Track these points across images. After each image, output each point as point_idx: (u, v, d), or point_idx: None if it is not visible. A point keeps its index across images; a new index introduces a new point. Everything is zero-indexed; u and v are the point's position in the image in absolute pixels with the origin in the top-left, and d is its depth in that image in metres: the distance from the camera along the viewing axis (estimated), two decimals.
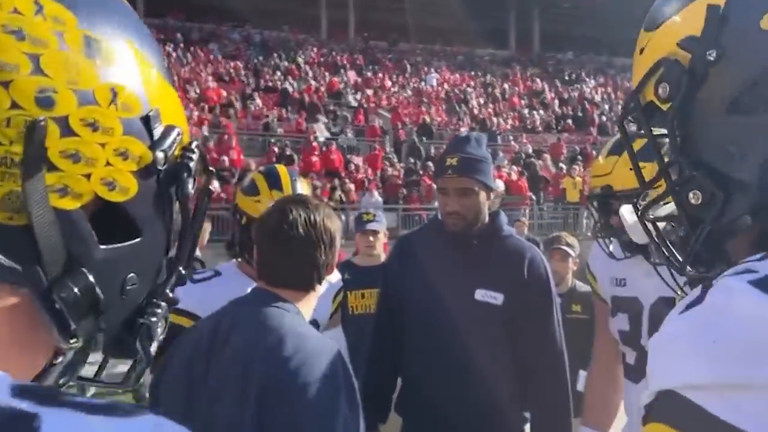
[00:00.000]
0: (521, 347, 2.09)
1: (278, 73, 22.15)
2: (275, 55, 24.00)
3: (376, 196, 14.29)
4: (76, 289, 0.48)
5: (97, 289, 0.50)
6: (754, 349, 0.39)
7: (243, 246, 2.06)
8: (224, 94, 19.14)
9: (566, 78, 27.58)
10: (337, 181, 14.52)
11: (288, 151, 15.53)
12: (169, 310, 0.60)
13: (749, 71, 0.58)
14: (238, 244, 2.09)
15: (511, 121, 21.88)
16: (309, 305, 1.51)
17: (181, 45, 22.88)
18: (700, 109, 0.62)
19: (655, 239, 0.71)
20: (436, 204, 14.31)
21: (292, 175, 2.18)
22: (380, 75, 24.26)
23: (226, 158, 14.63)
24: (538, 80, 26.69)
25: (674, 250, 0.69)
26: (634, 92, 0.70)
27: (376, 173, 15.83)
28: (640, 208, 0.74)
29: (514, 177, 16.01)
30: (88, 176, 0.49)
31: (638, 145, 0.89)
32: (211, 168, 0.67)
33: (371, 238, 3.73)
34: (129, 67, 0.52)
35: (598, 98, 25.19)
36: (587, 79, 27.90)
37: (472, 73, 26.77)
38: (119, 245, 0.53)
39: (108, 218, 0.52)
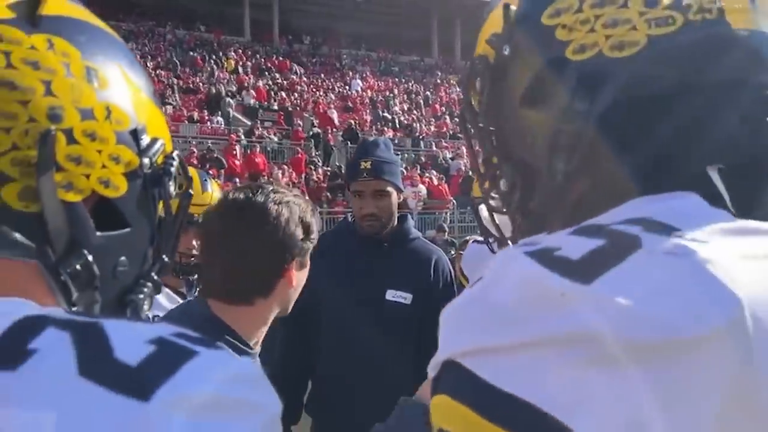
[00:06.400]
0: (427, 344, 2.12)
1: (200, 74, 21.71)
2: (196, 55, 23.51)
3: None
4: (77, 265, 0.59)
5: (95, 267, 0.61)
6: (513, 313, 0.42)
7: None
8: None
9: None
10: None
11: (215, 153, 15.30)
12: (154, 291, 0.71)
13: (533, 65, 0.60)
14: None
15: (434, 127, 22.38)
16: (264, 316, 1.20)
17: None
18: (501, 102, 0.64)
19: (492, 226, 0.77)
20: None
21: (202, 176, 2.16)
22: (305, 78, 24.22)
23: None
24: (459, 87, 27.37)
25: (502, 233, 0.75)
26: (464, 90, 0.71)
27: (300, 177, 15.82)
28: (481, 205, 0.78)
29: (435, 182, 16.45)
30: (87, 176, 0.60)
31: None
32: (190, 174, 0.77)
33: None
34: (121, 90, 0.64)
35: None
36: None
37: (396, 79, 27.17)
38: (112, 233, 0.63)
39: (105, 211, 0.63)
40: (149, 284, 0.69)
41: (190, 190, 0.75)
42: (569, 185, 0.57)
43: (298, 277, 1.23)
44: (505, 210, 0.68)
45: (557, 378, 0.39)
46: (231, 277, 1.17)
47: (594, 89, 0.55)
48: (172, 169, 0.69)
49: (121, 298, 0.67)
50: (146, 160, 0.65)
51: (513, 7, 0.64)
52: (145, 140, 0.65)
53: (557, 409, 0.38)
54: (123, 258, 0.65)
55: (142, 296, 0.68)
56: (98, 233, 0.62)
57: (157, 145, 0.67)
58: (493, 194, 0.69)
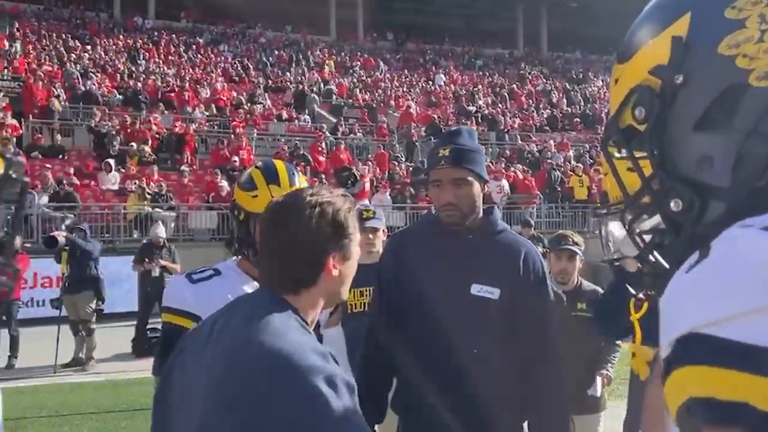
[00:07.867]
0: (518, 342, 2.03)
1: (288, 74, 22.35)
2: (284, 55, 24.21)
3: (387, 196, 14.50)
4: None
5: None
6: (759, 279, 0.46)
7: (242, 242, 1.99)
8: (234, 94, 19.36)
9: (573, 77, 27.60)
10: (349, 181, 14.71)
11: (301, 150, 15.72)
12: None
13: (711, 92, 0.65)
14: (237, 240, 2.02)
15: (519, 120, 21.95)
16: (311, 304, 1.32)
17: (193, 47, 23.16)
18: (672, 127, 0.69)
19: (645, 250, 0.76)
20: None
21: (290, 169, 2.12)
22: (389, 75, 24.39)
23: (236, 158, 14.84)
24: (545, 79, 26.73)
25: (660, 258, 0.75)
26: (613, 117, 0.76)
27: (384, 173, 15.98)
28: (626, 223, 0.78)
29: (521, 176, 16.16)
30: None
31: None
32: (11, 174, 0.74)
33: (370, 236, 3.60)
34: None
35: (605, 97, 25.21)
36: (594, 78, 27.91)
37: (480, 72, 26.84)
38: None
39: None
40: None
41: (17, 176, 0.72)
42: (753, 199, 0.61)
43: (343, 269, 1.33)
44: (661, 234, 0.73)
45: None
46: (276, 272, 1.32)
47: None
48: None
49: None
50: None
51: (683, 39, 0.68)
52: None
53: None
54: None
55: None
56: None
57: None
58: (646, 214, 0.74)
